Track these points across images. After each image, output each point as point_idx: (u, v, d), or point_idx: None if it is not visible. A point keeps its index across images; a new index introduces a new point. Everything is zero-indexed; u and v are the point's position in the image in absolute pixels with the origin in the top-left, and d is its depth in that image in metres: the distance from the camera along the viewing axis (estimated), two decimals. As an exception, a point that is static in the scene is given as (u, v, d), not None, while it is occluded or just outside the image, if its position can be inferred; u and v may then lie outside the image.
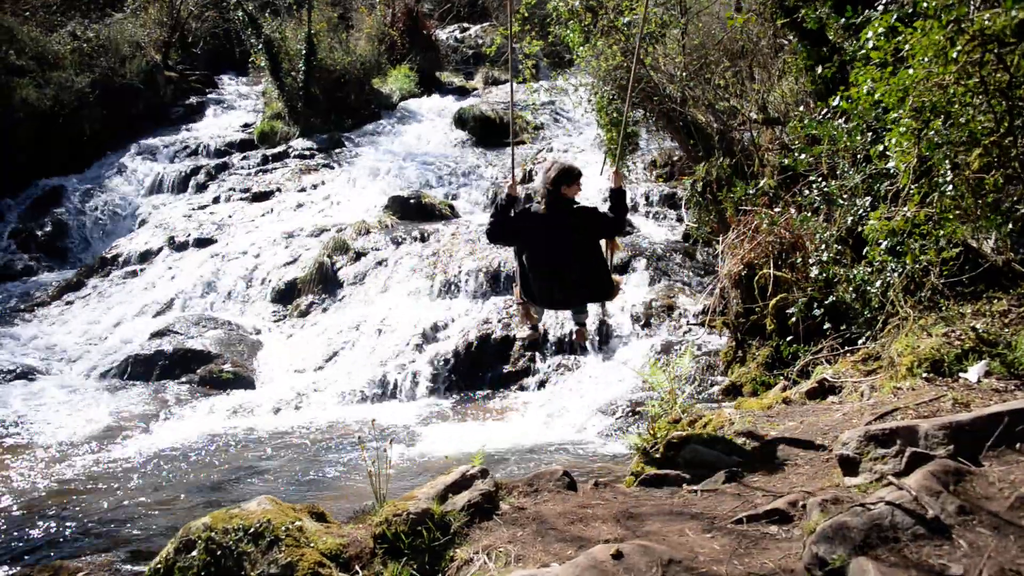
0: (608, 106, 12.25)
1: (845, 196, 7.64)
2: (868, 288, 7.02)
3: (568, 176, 5.94)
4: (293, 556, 4.39)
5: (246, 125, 22.42)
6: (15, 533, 6.72)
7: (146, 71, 22.53)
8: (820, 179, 8.11)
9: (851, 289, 7.33)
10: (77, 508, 7.27)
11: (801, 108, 9.44)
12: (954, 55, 5.43)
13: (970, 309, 6.51)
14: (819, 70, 8.15)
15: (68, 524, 6.88)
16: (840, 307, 7.63)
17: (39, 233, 17.72)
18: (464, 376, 11.02)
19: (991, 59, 5.53)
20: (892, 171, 6.65)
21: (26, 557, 6.26)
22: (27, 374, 11.82)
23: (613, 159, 12.89)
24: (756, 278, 8.94)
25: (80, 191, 19.11)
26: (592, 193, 15.79)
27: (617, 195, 6.22)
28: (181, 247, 15.97)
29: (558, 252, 5.99)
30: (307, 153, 20.01)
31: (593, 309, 9.14)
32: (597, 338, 11.21)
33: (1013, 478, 3.77)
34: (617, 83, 12.11)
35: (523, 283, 6.25)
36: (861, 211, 7.29)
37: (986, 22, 5.33)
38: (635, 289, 12.26)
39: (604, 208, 6.21)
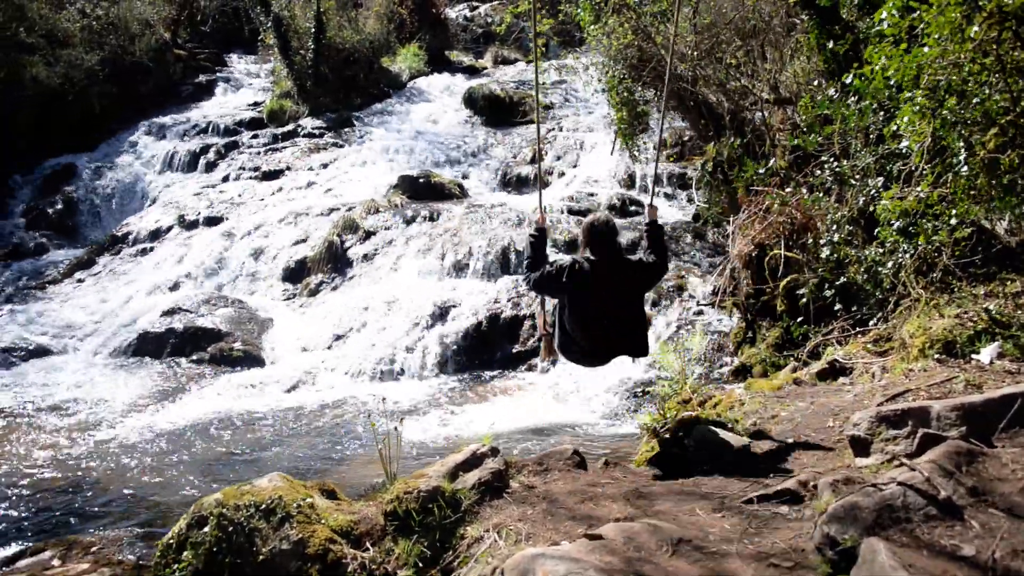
0: (619, 85, 12.17)
1: (857, 176, 7.59)
2: (879, 269, 6.99)
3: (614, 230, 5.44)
4: (304, 532, 4.41)
5: (255, 104, 22.36)
6: (29, 509, 6.78)
7: (155, 49, 22.45)
8: (832, 159, 8.05)
9: (862, 270, 7.30)
10: (89, 484, 7.32)
11: (814, 84, 9.36)
12: (971, 33, 5.37)
13: (983, 290, 6.48)
14: (831, 45, 8.07)
15: (80, 500, 6.94)
16: (851, 288, 7.60)
17: (50, 211, 17.73)
18: (473, 355, 11.03)
19: (1008, 37, 5.47)
20: (905, 151, 6.60)
21: (40, 533, 6.32)
22: (39, 352, 11.88)
23: (623, 139, 12.82)
24: (767, 259, 8.91)
25: (90, 169, 19.11)
26: (602, 174, 15.80)
27: (656, 232, 5.75)
28: (191, 225, 15.99)
29: (617, 309, 5.38)
30: (316, 132, 19.96)
31: None
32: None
33: (1025, 459, 3.75)
34: (628, 62, 12.03)
35: (563, 338, 5.54)
36: (873, 191, 7.24)
37: (1004, -1, 5.26)
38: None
39: (644, 254, 5.71)
